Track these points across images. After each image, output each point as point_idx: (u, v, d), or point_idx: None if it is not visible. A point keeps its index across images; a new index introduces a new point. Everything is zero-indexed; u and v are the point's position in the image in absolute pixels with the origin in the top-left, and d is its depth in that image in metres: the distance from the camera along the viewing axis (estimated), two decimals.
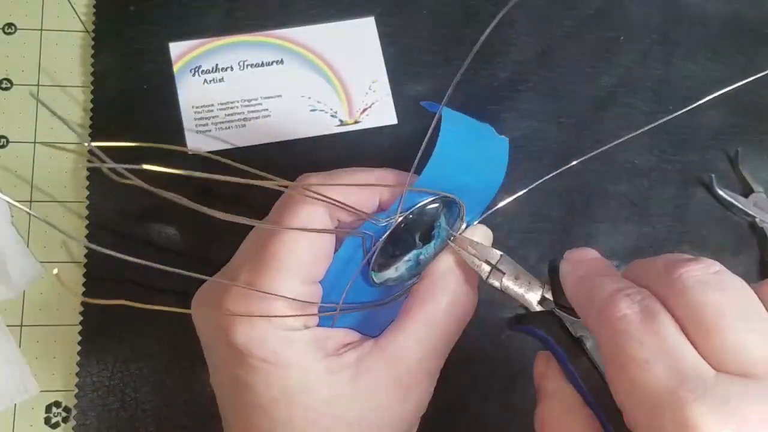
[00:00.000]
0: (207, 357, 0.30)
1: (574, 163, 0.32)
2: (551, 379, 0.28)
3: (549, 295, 0.30)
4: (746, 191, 0.43)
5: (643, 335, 0.23)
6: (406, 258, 0.30)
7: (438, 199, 0.30)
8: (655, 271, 0.25)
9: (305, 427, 0.27)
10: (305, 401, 0.27)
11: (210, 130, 0.42)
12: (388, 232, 0.29)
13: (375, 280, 0.30)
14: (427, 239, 0.30)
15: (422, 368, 0.29)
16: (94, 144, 0.22)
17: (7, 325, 0.39)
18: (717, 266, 0.24)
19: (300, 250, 0.27)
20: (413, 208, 0.29)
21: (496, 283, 0.31)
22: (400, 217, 0.29)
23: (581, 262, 0.29)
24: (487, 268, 0.31)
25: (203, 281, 0.31)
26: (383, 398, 0.28)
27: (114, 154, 0.41)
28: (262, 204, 0.41)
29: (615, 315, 0.24)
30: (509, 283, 0.30)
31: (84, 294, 0.39)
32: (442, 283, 0.30)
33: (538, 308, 0.31)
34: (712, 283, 0.23)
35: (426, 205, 0.30)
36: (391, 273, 0.30)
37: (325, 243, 0.28)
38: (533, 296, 0.30)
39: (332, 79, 0.43)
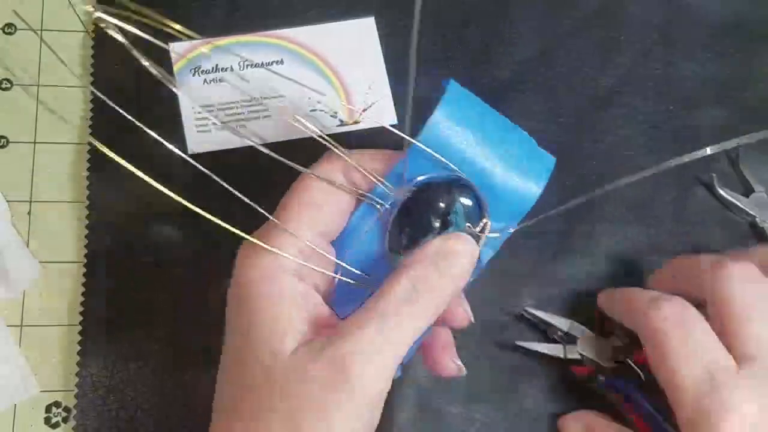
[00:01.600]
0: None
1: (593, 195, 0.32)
2: None
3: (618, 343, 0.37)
4: (747, 191, 0.43)
5: (682, 334, 0.31)
6: (424, 241, 0.29)
7: (450, 179, 0.29)
8: (701, 267, 0.33)
9: (260, 382, 0.26)
10: (268, 357, 0.26)
11: (210, 130, 0.42)
12: (400, 203, 0.29)
13: (395, 265, 0.29)
14: (444, 226, 0.29)
15: (370, 392, 0.26)
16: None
17: (7, 325, 0.39)
18: (752, 269, 0.32)
19: (312, 197, 0.29)
20: (422, 179, 0.29)
21: (576, 355, 0.38)
22: (407, 189, 0.29)
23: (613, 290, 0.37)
24: (560, 347, 0.38)
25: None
26: (319, 397, 0.26)
27: (115, 147, 0.40)
28: (272, 210, 0.41)
29: (659, 316, 0.31)
30: (585, 347, 0.37)
31: (84, 294, 0.39)
32: (420, 269, 0.27)
33: (610, 363, 0.37)
34: (748, 283, 0.31)
35: (438, 182, 0.29)
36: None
37: (339, 199, 0.29)
38: (605, 352, 0.37)
39: (332, 79, 0.43)
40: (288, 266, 0.28)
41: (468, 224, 0.29)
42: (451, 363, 0.32)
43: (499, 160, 0.30)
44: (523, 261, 0.41)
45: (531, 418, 0.38)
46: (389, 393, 0.38)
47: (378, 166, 0.30)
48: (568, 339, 0.38)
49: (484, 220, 0.30)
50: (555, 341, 0.39)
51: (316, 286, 0.29)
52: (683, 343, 0.30)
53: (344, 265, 0.29)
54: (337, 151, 0.29)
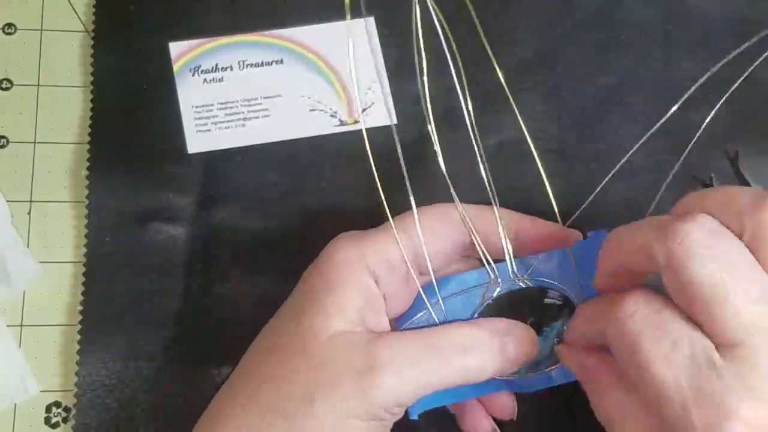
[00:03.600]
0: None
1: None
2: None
3: None
4: None
5: (654, 332, 0.24)
6: None
7: (567, 298, 0.30)
8: (648, 239, 0.25)
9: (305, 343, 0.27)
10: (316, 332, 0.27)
11: (210, 130, 0.42)
12: (512, 289, 0.30)
13: None
14: (536, 329, 0.30)
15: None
16: None
17: (7, 325, 0.39)
18: (712, 224, 0.24)
19: (435, 222, 0.30)
20: (543, 281, 0.30)
21: None
22: (525, 278, 0.30)
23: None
24: None
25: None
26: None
27: (114, 154, 0.40)
28: (272, 210, 0.41)
29: (624, 314, 0.25)
30: None
31: (84, 294, 0.39)
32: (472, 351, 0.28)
33: None
34: (706, 254, 0.23)
35: (557, 294, 0.30)
36: None
37: (451, 238, 0.30)
38: None
39: (332, 79, 0.43)
40: (371, 266, 0.29)
41: (556, 341, 0.30)
42: (485, 423, 0.33)
43: None
44: None
45: (531, 418, 0.38)
46: None
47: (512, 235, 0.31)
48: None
49: None
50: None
51: (387, 297, 0.29)
52: (656, 342, 0.23)
53: (437, 289, 0.30)
54: (495, 209, 0.31)
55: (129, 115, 0.42)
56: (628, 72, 0.45)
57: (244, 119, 0.42)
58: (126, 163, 0.41)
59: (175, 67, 0.43)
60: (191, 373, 0.38)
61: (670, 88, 0.45)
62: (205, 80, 0.43)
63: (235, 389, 0.29)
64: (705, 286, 0.23)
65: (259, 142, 0.42)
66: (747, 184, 0.43)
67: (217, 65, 0.43)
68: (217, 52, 0.43)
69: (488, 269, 0.30)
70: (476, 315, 0.30)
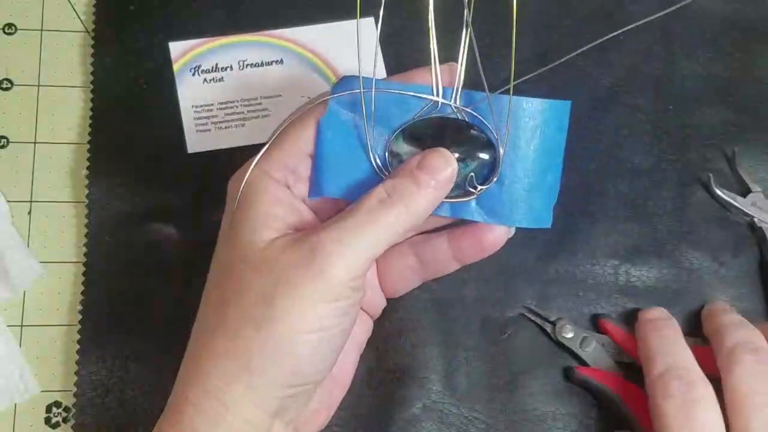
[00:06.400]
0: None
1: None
2: None
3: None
4: (744, 191, 0.43)
5: (681, 421, 0.32)
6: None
7: (485, 130, 0.30)
8: (719, 346, 0.35)
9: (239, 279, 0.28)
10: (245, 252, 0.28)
11: (210, 130, 0.42)
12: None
13: (392, 146, 0.30)
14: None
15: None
16: None
17: (7, 325, 0.39)
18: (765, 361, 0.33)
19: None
20: (481, 121, 0.30)
21: (578, 354, 0.38)
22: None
23: (660, 323, 0.37)
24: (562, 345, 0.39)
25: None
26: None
27: (114, 154, 0.40)
28: None
29: (663, 393, 0.33)
30: (587, 347, 0.38)
31: (84, 294, 0.39)
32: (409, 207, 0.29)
33: (612, 363, 0.38)
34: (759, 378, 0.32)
35: (470, 126, 0.30)
36: (402, 147, 0.30)
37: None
38: (607, 351, 0.38)
39: (332, 79, 0.43)
40: (273, 175, 0.29)
41: (472, 175, 0.30)
42: (494, 232, 0.32)
43: (531, 173, 0.31)
44: (524, 259, 0.41)
45: (531, 418, 0.38)
46: (391, 392, 0.38)
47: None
48: (570, 338, 0.38)
49: (486, 186, 0.30)
50: (556, 340, 0.39)
51: (304, 199, 0.30)
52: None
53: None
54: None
55: (129, 115, 0.42)
56: (628, 72, 0.45)
57: (244, 119, 0.42)
58: (126, 163, 0.41)
59: (175, 67, 0.43)
60: None
61: (671, 87, 0.45)
62: (205, 80, 0.43)
63: (200, 328, 0.30)
64: (739, 395, 0.33)
65: (259, 142, 0.42)
66: (744, 184, 0.42)
67: (217, 65, 0.43)
68: (217, 52, 0.43)
69: (434, 88, 0.31)
70: (403, 126, 0.30)
